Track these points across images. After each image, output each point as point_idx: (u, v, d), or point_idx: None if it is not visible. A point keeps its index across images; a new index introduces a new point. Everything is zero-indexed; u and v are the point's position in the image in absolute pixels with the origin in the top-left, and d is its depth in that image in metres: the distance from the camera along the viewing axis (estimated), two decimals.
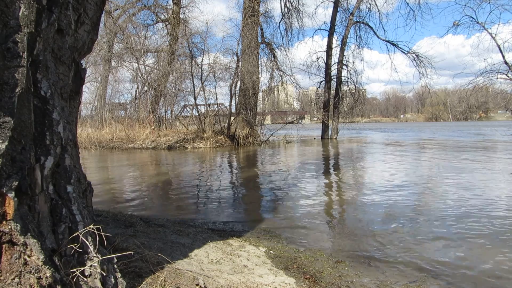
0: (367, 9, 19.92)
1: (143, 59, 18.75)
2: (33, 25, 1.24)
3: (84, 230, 1.42)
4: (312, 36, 48.83)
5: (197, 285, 1.83)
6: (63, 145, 1.44)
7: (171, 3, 18.59)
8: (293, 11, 19.74)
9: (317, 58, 20.33)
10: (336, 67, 19.88)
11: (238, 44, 16.60)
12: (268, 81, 19.21)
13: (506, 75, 17.57)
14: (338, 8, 19.98)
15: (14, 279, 1.09)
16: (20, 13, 1.19)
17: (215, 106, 19.27)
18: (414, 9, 19.70)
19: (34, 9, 1.24)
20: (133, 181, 7.20)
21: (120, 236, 2.41)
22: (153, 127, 16.83)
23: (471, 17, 17.94)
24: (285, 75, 18.70)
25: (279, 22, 20.00)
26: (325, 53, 20.15)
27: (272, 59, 18.59)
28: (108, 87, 20.09)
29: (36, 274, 1.13)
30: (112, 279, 1.46)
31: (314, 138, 21.19)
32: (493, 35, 17.33)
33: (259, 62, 17.84)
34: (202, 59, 16.97)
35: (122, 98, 22.59)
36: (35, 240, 1.17)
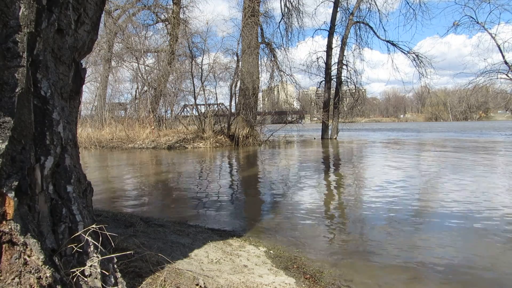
0: (367, 9, 19.94)
1: (143, 59, 18.76)
2: (33, 25, 1.24)
3: (85, 230, 1.42)
4: (313, 36, 49.13)
5: (197, 285, 1.83)
6: (63, 145, 1.44)
7: (171, 3, 18.58)
8: (293, 11, 19.76)
9: (317, 58, 20.35)
10: (336, 67, 19.87)
11: (238, 44, 16.61)
12: (268, 81, 19.26)
13: (506, 75, 17.57)
14: (338, 8, 19.97)
15: (14, 279, 1.09)
16: (20, 13, 1.19)
17: (215, 106, 19.28)
18: (414, 9, 19.72)
19: (34, 9, 1.24)
20: (133, 180, 7.20)
21: (120, 236, 2.41)
22: (153, 127, 16.83)
23: (471, 17, 17.96)
24: (285, 75, 18.71)
25: (279, 22, 20.04)
26: (325, 53, 20.15)
27: (272, 59, 18.60)
28: (108, 87, 20.08)
29: (36, 274, 1.13)
30: (112, 279, 1.46)
31: (314, 138, 21.18)
32: (493, 35, 17.35)
33: (259, 62, 17.86)
34: (202, 59, 17.00)
35: (122, 98, 22.56)
36: (35, 240, 1.17)
